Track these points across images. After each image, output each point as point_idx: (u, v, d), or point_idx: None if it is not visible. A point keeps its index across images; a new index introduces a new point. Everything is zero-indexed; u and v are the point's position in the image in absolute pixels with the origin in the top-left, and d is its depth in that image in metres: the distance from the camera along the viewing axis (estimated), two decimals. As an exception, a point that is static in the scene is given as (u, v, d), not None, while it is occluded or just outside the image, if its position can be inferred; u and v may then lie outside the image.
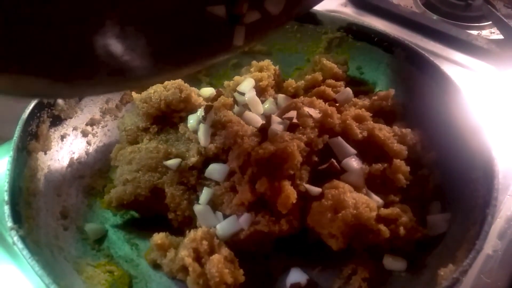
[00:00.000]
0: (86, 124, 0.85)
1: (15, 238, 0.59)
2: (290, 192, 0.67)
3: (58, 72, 0.49)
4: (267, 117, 0.78)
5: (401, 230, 0.67)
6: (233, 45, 0.60)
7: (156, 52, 0.55)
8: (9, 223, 0.60)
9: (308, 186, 0.70)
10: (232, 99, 0.86)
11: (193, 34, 0.58)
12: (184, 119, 0.81)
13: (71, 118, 0.82)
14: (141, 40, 0.53)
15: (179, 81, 0.83)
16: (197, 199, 0.74)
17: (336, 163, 0.71)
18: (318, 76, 0.91)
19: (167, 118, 0.83)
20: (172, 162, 0.75)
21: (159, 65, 0.56)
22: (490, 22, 1.23)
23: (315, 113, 0.76)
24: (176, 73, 0.64)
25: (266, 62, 0.93)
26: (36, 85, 0.49)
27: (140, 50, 0.53)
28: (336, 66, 0.92)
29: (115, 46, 0.51)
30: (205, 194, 0.73)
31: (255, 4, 0.59)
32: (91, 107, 0.86)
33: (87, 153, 0.84)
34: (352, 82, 0.94)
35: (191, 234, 0.67)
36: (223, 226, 0.70)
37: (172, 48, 0.57)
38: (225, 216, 0.71)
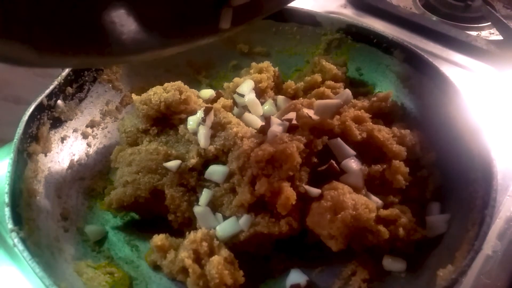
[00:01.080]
0: (86, 126, 0.86)
1: (16, 240, 0.59)
2: (289, 194, 0.67)
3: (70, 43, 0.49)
4: (266, 119, 0.78)
5: (401, 231, 0.68)
6: (219, 28, 0.59)
7: (147, 26, 0.54)
8: (10, 225, 0.60)
9: (307, 187, 0.70)
10: (231, 100, 0.87)
11: (181, 12, 0.56)
12: (183, 121, 0.81)
13: (71, 120, 0.83)
14: (133, 14, 0.53)
15: (179, 83, 0.84)
16: (197, 200, 0.74)
17: (335, 164, 0.72)
18: (318, 77, 0.91)
19: (167, 120, 0.83)
20: (172, 164, 0.75)
21: (147, 39, 0.55)
22: (490, 23, 1.23)
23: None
24: (160, 51, 0.62)
25: (266, 64, 0.93)
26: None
27: (131, 24, 0.53)
28: (335, 67, 0.92)
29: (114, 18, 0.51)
30: (205, 196, 0.73)
31: None
32: (91, 109, 0.87)
33: (87, 155, 0.85)
34: (351, 83, 0.94)
35: (191, 236, 0.68)
36: (223, 228, 0.70)
37: (161, 23, 0.56)
38: (225, 218, 0.72)
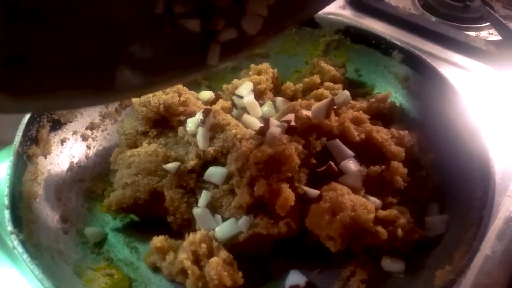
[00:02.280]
0: (86, 128, 0.86)
1: (15, 242, 0.59)
2: (288, 195, 0.67)
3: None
4: (265, 120, 0.78)
5: (399, 231, 0.68)
6: (207, 64, 0.57)
7: (136, 66, 0.53)
8: (9, 227, 0.61)
9: (306, 188, 0.70)
10: (230, 102, 0.87)
11: (169, 47, 0.55)
12: (183, 123, 0.81)
13: (70, 122, 0.83)
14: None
15: (178, 85, 0.84)
16: (196, 202, 0.74)
17: (334, 166, 0.72)
18: (316, 78, 0.91)
19: (166, 122, 0.83)
20: (171, 166, 0.75)
21: (135, 79, 0.54)
22: (488, 24, 1.23)
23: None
24: (146, 90, 0.62)
25: (265, 65, 0.93)
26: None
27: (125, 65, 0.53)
28: (334, 68, 0.92)
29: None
30: (204, 197, 0.73)
31: (233, 21, 0.56)
32: (91, 111, 0.87)
33: (87, 157, 0.85)
34: (350, 84, 0.95)
35: (190, 237, 0.68)
36: (222, 229, 0.70)
37: (149, 62, 0.54)
38: (224, 219, 0.72)
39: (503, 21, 1.16)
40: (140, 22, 0.52)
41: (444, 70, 0.83)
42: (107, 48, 0.50)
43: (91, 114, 0.87)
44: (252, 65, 0.94)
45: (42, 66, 0.47)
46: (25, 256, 0.58)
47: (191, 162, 0.75)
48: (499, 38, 1.18)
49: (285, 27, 0.63)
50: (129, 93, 0.57)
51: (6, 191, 0.65)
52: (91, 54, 0.49)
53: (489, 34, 1.23)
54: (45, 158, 0.76)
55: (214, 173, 0.75)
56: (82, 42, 0.48)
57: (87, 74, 0.50)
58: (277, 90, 0.94)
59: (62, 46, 0.47)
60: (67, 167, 0.81)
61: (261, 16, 0.57)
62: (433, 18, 1.27)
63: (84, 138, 0.85)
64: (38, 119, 0.75)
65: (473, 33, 1.22)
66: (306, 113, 0.76)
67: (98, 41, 0.49)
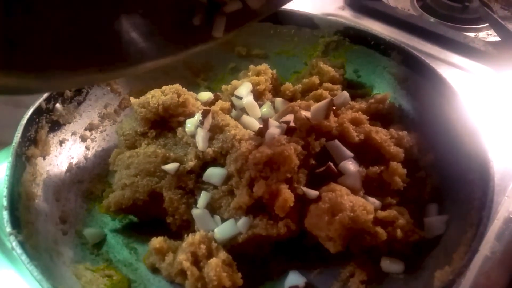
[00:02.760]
0: (85, 129, 0.86)
1: (14, 243, 0.59)
2: (287, 196, 0.67)
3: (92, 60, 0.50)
4: (264, 121, 0.78)
5: (399, 232, 0.68)
6: (212, 36, 0.58)
7: (148, 35, 0.54)
8: (8, 228, 0.60)
9: (305, 189, 0.70)
10: (229, 103, 0.87)
11: (175, 20, 0.56)
12: (182, 124, 0.81)
13: (69, 123, 0.83)
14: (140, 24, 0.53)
15: (177, 86, 0.84)
16: (195, 203, 0.74)
17: (333, 166, 0.72)
18: (315, 79, 0.91)
19: (165, 123, 0.83)
20: (170, 167, 0.75)
21: (148, 48, 0.55)
22: (487, 24, 1.23)
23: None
24: (159, 61, 0.62)
25: (264, 66, 0.93)
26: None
27: (137, 35, 0.53)
28: (333, 69, 0.92)
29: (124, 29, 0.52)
30: (203, 198, 0.73)
31: None
32: (90, 112, 0.87)
33: (85, 158, 0.85)
34: (349, 85, 0.95)
35: (189, 238, 0.68)
36: (221, 230, 0.70)
37: (161, 33, 0.56)
38: (223, 220, 0.72)
39: (501, 22, 1.17)
40: None
41: (443, 71, 0.83)
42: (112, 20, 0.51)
43: (90, 115, 0.87)
44: (251, 66, 0.94)
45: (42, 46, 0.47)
46: (23, 257, 0.58)
47: (190, 163, 0.75)
48: (497, 39, 1.18)
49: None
50: (139, 65, 0.57)
51: (4, 192, 0.64)
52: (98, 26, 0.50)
53: (488, 35, 1.24)
54: (44, 159, 0.76)
55: (213, 174, 0.75)
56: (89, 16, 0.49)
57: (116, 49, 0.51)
58: (276, 91, 0.94)
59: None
60: (66, 168, 0.81)
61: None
62: (432, 19, 1.28)
63: (83, 139, 0.85)
64: (37, 120, 0.75)
65: (471, 34, 1.22)
66: (305, 114, 0.76)
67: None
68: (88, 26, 0.50)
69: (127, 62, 0.54)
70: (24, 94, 0.60)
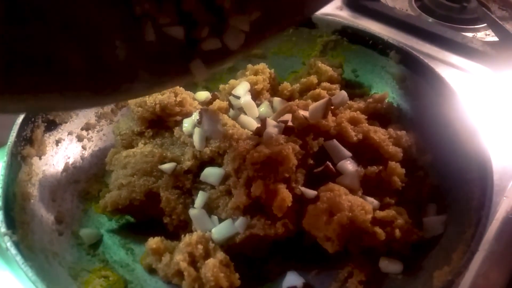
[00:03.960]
0: (81, 129, 0.85)
1: (9, 244, 0.59)
2: (285, 195, 0.67)
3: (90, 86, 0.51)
4: (262, 121, 0.78)
5: (397, 232, 0.67)
6: (191, 74, 0.58)
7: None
8: (3, 229, 0.60)
9: (303, 189, 0.69)
10: (227, 102, 0.86)
11: (152, 53, 0.55)
12: (179, 123, 0.81)
13: (66, 123, 0.82)
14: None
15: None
16: (193, 203, 0.74)
17: (331, 166, 0.71)
18: (313, 79, 0.91)
19: (162, 122, 0.82)
20: (167, 166, 0.74)
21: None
22: (485, 25, 1.23)
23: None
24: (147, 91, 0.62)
25: (262, 66, 0.93)
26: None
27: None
28: (331, 69, 0.92)
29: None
30: (200, 198, 0.73)
31: (216, 31, 0.57)
32: (86, 111, 0.86)
33: (82, 157, 0.84)
34: (347, 85, 0.94)
35: (186, 238, 0.67)
36: (219, 230, 0.69)
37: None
38: (221, 220, 0.71)
39: (499, 22, 1.17)
40: (118, 23, 0.52)
41: (441, 70, 0.83)
42: (86, 52, 0.51)
43: (86, 114, 0.86)
44: (249, 66, 0.93)
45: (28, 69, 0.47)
46: (18, 258, 0.58)
47: (188, 163, 0.75)
48: (495, 39, 1.18)
49: (266, 37, 0.63)
50: (117, 96, 0.58)
51: (-1, 192, 0.64)
52: (72, 57, 0.50)
53: (486, 35, 1.24)
54: (40, 158, 0.76)
55: (211, 173, 0.74)
56: (58, 45, 0.49)
57: (73, 79, 0.51)
58: (274, 90, 0.94)
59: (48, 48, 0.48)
60: (62, 168, 0.80)
61: (243, 31, 0.57)
62: (430, 19, 1.27)
63: (80, 138, 0.85)
64: (33, 119, 0.75)
65: (469, 34, 1.22)
66: (303, 113, 0.76)
67: (75, 45, 0.50)
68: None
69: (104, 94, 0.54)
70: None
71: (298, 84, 0.92)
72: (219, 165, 0.76)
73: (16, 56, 0.46)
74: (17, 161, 0.70)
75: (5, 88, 0.46)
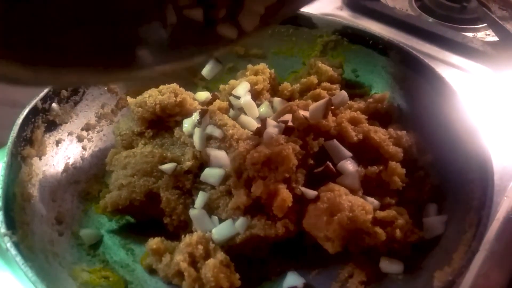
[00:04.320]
0: (82, 129, 0.85)
1: (8, 245, 0.59)
2: (286, 196, 0.67)
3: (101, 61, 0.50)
4: (262, 121, 0.78)
5: (398, 232, 0.67)
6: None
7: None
8: (2, 229, 0.60)
9: (304, 189, 0.69)
10: (227, 102, 0.86)
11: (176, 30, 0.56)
12: (179, 123, 0.81)
13: (66, 123, 0.82)
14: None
15: (174, 85, 0.83)
16: (193, 203, 0.74)
17: (331, 166, 0.71)
18: (314, 79, 0.91)
19: (162, 122, 0.82)
20: (167, 167, 0.74)
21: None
22: (485, 24, 1.23)
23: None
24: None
25: (262, 66, 0.93)
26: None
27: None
28: (331, 69, 0.92)
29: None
30: (200, 198, 0.73)
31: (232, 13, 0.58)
32: (86, 112, 0.86)
33: (82, 158, 0.84)
34: (347, 85, 0.94)
35: (187, 239, 0.67)
36: (219, 230, 0.69)
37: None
38: (221, 220, 0.71)
39: (499, 22, 1.17)
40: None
41: (441, 70, 0.83)
42: (119, 30, 0.52)
43: (86, 115, 0.86)
44: (249, 66, 0.93)
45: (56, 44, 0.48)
46: (18, 258, 0.57)
47: (188, 163, 0.75)
48: (496, 39, 1.18)
49: (269, 23, 0.63)
50: (146, 70, 0.57)
51: (-1, 192, 0.64)
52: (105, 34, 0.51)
53: (486, 35, 1.23)
54: (40, 159, 0.75)
55: (211, 174, 0.74)
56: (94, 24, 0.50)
57: (105, 54, 0.51)
58: (274, 90, 0.94)
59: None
60: (62, 168, 0.80)
61: (258, 13, 0.57)
62: (430, 19, 1.27)
63: (80, 139, 0.85)
64: (33, 119, 0.75)
65: (470, 34, 1.22)
66: (303, 113, 0.76)
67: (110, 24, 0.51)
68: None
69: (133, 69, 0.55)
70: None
71: (298, 84, 0.92)
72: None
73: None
74: (17, 161, 0.70)
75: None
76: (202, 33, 0.57)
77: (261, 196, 0.68)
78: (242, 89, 0.86)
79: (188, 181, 0.75)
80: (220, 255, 0.66)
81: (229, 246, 0.69)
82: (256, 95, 0.88)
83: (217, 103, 0.86)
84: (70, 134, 0.83)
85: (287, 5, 0.61)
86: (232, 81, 0.89)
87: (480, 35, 1.24)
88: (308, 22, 0.96)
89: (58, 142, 0.80)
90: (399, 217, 0.69)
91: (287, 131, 0.74)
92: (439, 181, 0.77)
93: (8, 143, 0.69)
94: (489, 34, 1.23)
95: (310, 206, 0.69)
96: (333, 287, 0.70)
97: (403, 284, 0.67)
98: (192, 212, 0.72)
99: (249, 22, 0.57)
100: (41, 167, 0.75)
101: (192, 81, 0.99)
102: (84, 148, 0.85)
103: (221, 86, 0.91)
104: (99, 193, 0.81)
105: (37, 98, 0.75)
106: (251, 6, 0.57)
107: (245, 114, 0.85)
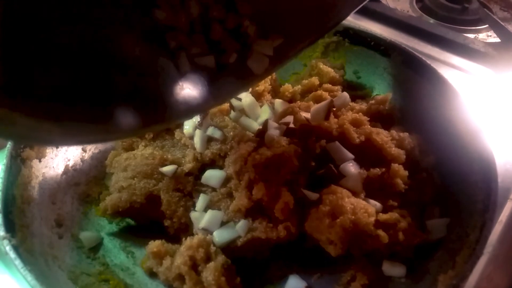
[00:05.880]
0: (82, 131, 0.85)
1: (8, 248, 0.58)
2: (287, 198, 0.66)
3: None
4: (264, 122, 0.77)
5: (400, 235, 0.67)
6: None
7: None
8: (2, 232, 0.59)
9: (305, 191, 0.69)
10: (228, 104, 0.86)
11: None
12: (180, 125, 0.80)
13: (66, 125, 0.82)
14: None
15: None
16: (194, 205, 0.73)
17: (333, 168, 0.71)
18: (315, 80, 0.91)
19: (162, 124, 0.82)
20: (168, 169, 0.74)
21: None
22: (487, 26, 1.23)
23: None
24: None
25: (263, 67, 0.92)
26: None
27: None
28: (333, 70, 0.92)
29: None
30: (201, 201, 0.72)
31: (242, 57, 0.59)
32: (86, 113, 0.86)
33: (82, 160, 0.84)
34: (349, 86, 0.94)
35: (187, 242, 0.67)
36: (220, 233, 0.69)
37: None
38: (222, 223, 0.70)
39: (501, 23, 1.16)
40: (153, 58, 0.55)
41: (443, 72, 0.83)
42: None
43: (86, 116, 0.86)
44: (250, 67, 0.93)
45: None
46: (17, 261, 0.57)
47: (188, 165, 0.74)
48: (497, 40, 1.17)
49: (289, 57, 0.64)
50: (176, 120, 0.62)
51: (-1, 194, 0.63)
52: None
53: (488, 36, 1.23)
54: (40, 161, 0.75)
55: (212, 176, 0.74)
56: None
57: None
58: (275, 92, 0.93)
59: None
60: (62, 170, 0.79)
61: (266, 56, 0.58)
62: (432, 20, 1.27)
63: (80, 141, 0.84)
64: (33, 121, 0.74)
65: (471, 35, 1.22)
66: (305, 115, 0.75)
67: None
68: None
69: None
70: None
71: (299, 86, 0.92)
72: (220, 167, 0.75)
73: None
74: (17, 163, 0.69)
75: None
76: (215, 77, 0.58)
77: (262, 199, 0.67)
78: (243, 90, 0.85)
79: (188, 183, 0.75)
80: (221, 258, 0.65)
81: (230, 249, 0.69)
82: (257, 97, 0.87)
83: (218, 104, 0.85)
84: (70, 136, 0.82)
85: (294, 44, 0.61)
86: (233, 83, 0.89)
87: (482, 36, 1.23)
88: (309, 23, 0.96)
89: (58, 144, 0.80)
90: (401, 220, 0.68)
91: (288, 133, 0.74)
92: (442, 183, 0.76)
93: (8, 145, 0.69)
94: (490, 35, 1.23)
95: (312, 208, 0.68)
96: (335, 290, 0.69)
97: (406, 287, 0.67)
98: (193, 215, 0.71)
99: (259, 66, 0.58)
100: (40, 169, 0.75)
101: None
102: (84, 150, 0.85)
103: (222, 88, 0.90)
104: (99, 196, 0.81)
105: (37, 100, 0.75)
106: (259, 49, 0.57)
107: (246, 115, 0.84)
